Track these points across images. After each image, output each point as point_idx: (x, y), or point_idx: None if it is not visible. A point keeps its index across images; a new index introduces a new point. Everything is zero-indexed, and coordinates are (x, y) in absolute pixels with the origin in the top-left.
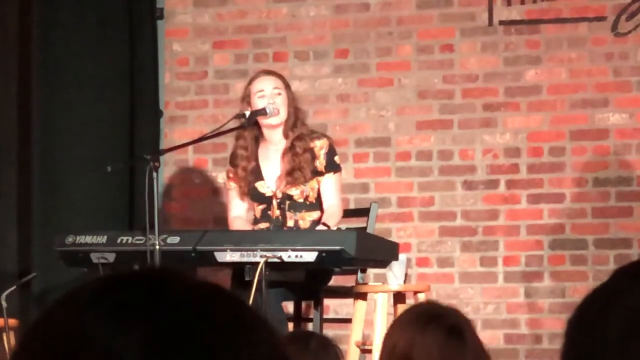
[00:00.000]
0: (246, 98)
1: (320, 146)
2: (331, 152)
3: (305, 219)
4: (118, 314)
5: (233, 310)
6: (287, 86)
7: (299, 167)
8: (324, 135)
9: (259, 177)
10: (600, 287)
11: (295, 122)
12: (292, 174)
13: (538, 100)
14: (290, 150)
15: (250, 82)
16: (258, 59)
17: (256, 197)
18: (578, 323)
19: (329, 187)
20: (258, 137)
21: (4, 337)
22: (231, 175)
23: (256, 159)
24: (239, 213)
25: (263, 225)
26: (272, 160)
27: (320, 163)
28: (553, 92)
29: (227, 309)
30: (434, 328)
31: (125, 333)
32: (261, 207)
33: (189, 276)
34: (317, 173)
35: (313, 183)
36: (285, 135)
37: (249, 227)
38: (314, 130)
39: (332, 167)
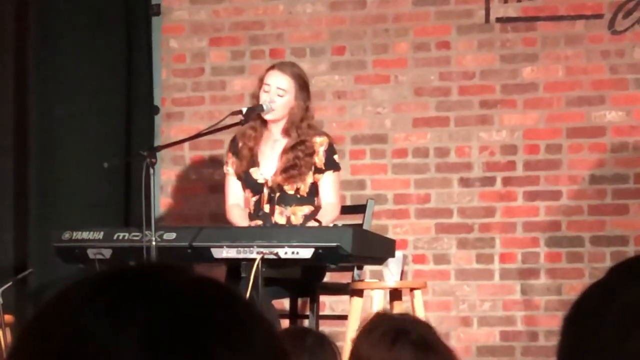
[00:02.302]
0: (260, 82)
1: (320, 143)
2: (330, 151)
3: (297, 213)
4: (115, 310)
5: (230, 305)
6: (301, 87)
7: (298, 167)
8: (324, 133)
9: (255, 163)
10: (596, 284)
11: (300, 124)
12: (288, 171)
13: (534, 98)
14: (292, 150)
15: (267, 70)
16: (255, 55)
17: (249, 183)
18: (574, 320)
19: (327, 185)
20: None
21: (0, 334)
22: (231, 157)
23: (258, 145)
24: (237, 201)
25: (257, 222)
26: (271, 152)
27: (320, 160)
28: (550, 89)
29: (225, 305)
30: (400, 346)
31: (122, 329)
32: (255, 198)
33: (186, 271)
34: (315, 170)
35: (307, 177)
36: (286, 134)
37: (246, 216)
38: (314, 127)
39: (332, 165)
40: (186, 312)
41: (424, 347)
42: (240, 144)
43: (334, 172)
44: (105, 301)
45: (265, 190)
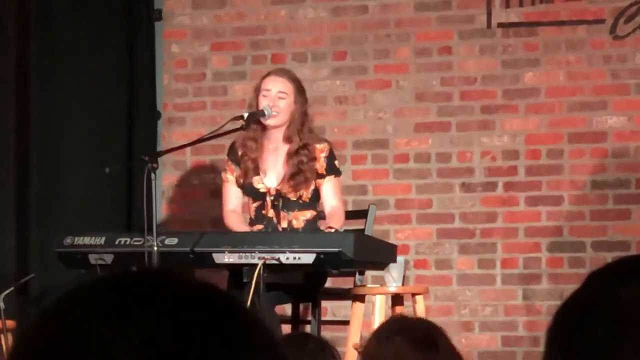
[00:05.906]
0: (256, 91)
1: (320, 149)
2: (331, 156)
3: (299, 218)
4: (115, 315)
5: (230, 312)
6: (299, 91)
7: (303, 173)
8: (324, 140)
9: (256, 172)
10: (577, 294)
11: (301, 128)
12: (295, 178)
13: (536, 103)
14: (295, 156)
15: (263, 77)
16: (256, 61)
17: (250, 192)
18: (558, 334)
19: (330, 190)
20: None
21: (2, 339)
22: (231, 165)
23: (261, 155)
24: (234, 207)
25: (258, 227)
26: (274, 161)
27: (321, 166)
28: (551, 94)
29: (225, 311)
30: (398, 340)
31: (122, 334)
32: (255, 204)
33: (187, 278)
34: (317, 175)
35: (311, 183)
36: (287, 140)
37: (243, 223)
38: (315, 133)
39: (332, 170)
40: (187, 318)
41: (423, 343)
42: (240, 152)
43: (335, 177)
44: (106, 306)
45: (268, 198)
